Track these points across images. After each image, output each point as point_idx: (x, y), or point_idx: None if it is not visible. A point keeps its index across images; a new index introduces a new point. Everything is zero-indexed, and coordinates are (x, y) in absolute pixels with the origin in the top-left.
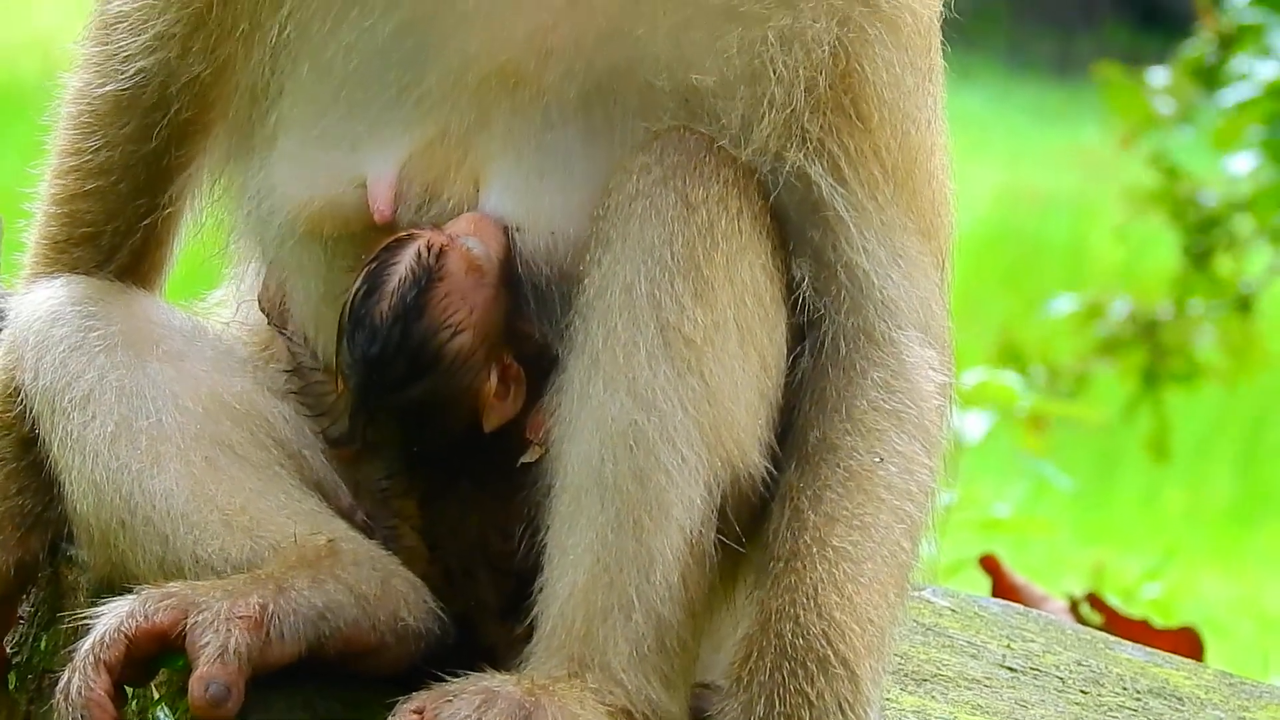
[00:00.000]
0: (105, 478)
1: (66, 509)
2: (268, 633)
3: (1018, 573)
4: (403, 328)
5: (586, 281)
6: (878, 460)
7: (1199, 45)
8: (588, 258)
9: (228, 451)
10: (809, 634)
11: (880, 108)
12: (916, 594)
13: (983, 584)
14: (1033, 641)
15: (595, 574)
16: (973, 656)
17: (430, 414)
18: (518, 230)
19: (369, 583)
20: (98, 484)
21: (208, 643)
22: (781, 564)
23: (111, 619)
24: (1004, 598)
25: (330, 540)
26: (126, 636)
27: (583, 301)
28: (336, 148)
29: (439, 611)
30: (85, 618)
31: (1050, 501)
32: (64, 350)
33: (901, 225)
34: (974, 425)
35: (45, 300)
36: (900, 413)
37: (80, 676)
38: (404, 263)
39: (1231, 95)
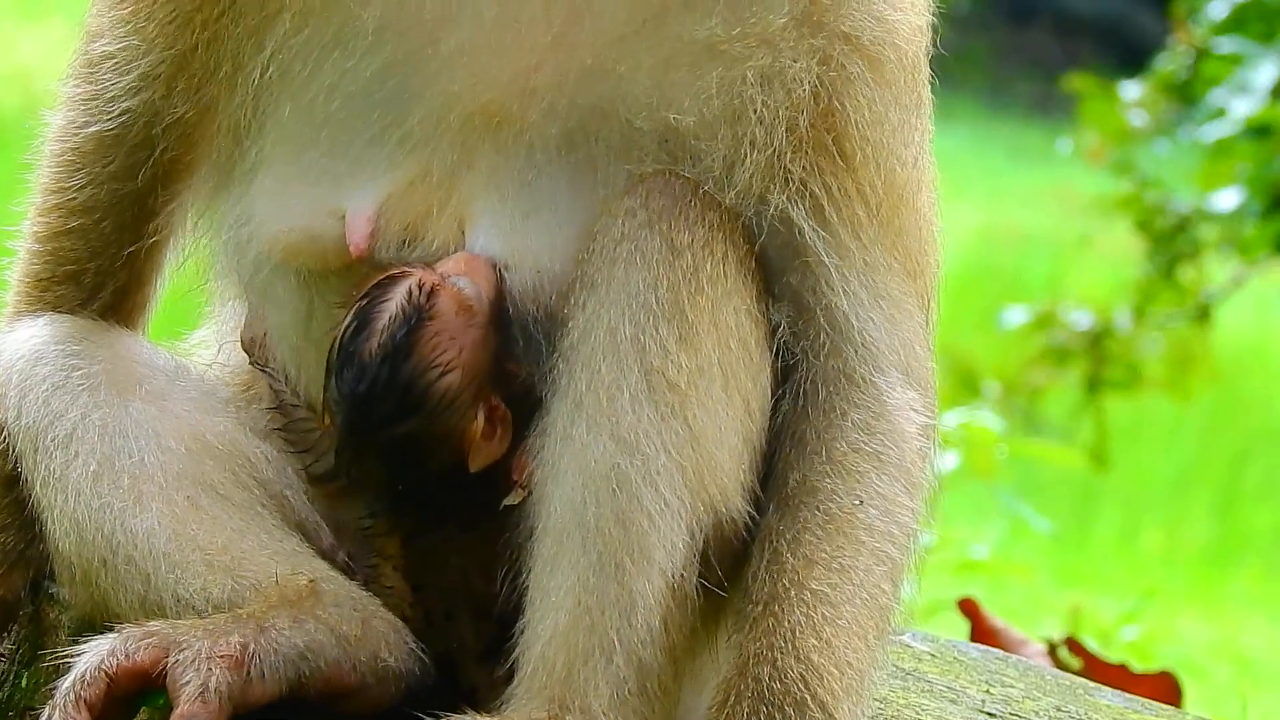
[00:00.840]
0: (87, 516)
1: (49, 547)
2: (248, 672)
3: (996, 616)
4: (391, 366)
5: (571, 325)
6: (858, 503)
7: (1172, 58)
8: (572, 300)
9: (210, 491)
10: (786, 677)
11: (863, 146)
12: (896, 638)
13: (961, 626)
14: (1012, 687)
15: (577, 616)
16: (952, 701)
17: (416, 452)
18: (505, 269)
19: (350, 623)
20: (80, 522)
21: (188, 681)
22: (760, 608)
23: (93, 657)
24: (982, 641)
25: (311, 580)
26: (107, 674)
27: (567, 344)
28: (317, 184)
29: (419, 652)
30: (66, 656)
31: (1028, 543)
32: (47, 389)
33: (885, 265)
34: (944, 461)
35: (28, 339)
36: (881, 454)
37: (61, 714)
38: (395, 300)
39: (1214, 131)
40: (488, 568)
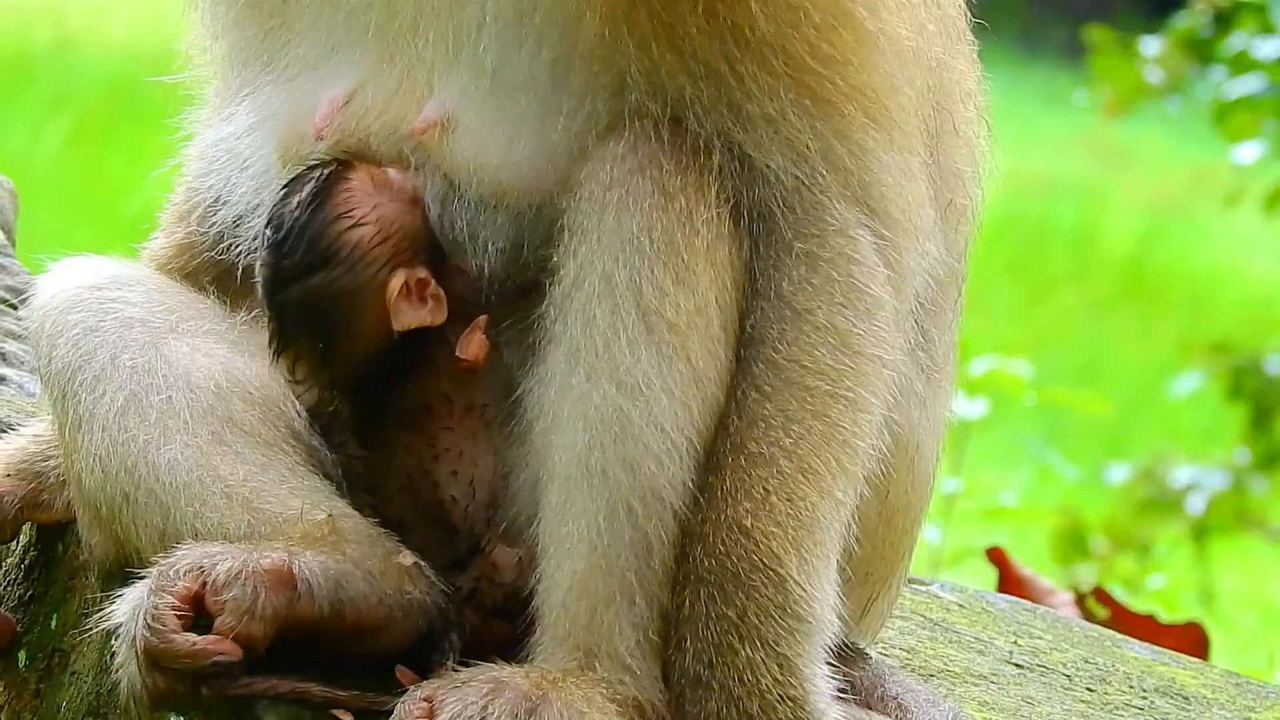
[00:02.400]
0: (112, 451)
1: (73, 493)
2: (296, 585)
3: (1024, 565)
4: (306, 217)
5: (561, 273)
6: (805, 344)
7: (1193, 16)
8: (560, 248)
9: (235, 429)
10: (719, 553)
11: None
12: (923, 588)
13: (989, 575)
14: (1040, 638)
15: (593, 562)
16: (979, 653)
17: (330, 308)
18: (473, 170)
19: (373, 558)
20: (104, 458)
21: (232, 594)
22: (706, 490)
23: (143, 600)
24: (1010, 590)
25: (330, 515)
26: (172, 607)
27: (559, 293)
28: (298, 85)
29: (441, 585)
30: (100, 601)
31: (1055, 489)
32: (78, 333)
33: (802, 94)
34: (975, 410)
35: (64, 285)
36: (828, 285)
37: (147, 669)
38: (318, 171)
39: (1240, 86)
40: (434, 473)
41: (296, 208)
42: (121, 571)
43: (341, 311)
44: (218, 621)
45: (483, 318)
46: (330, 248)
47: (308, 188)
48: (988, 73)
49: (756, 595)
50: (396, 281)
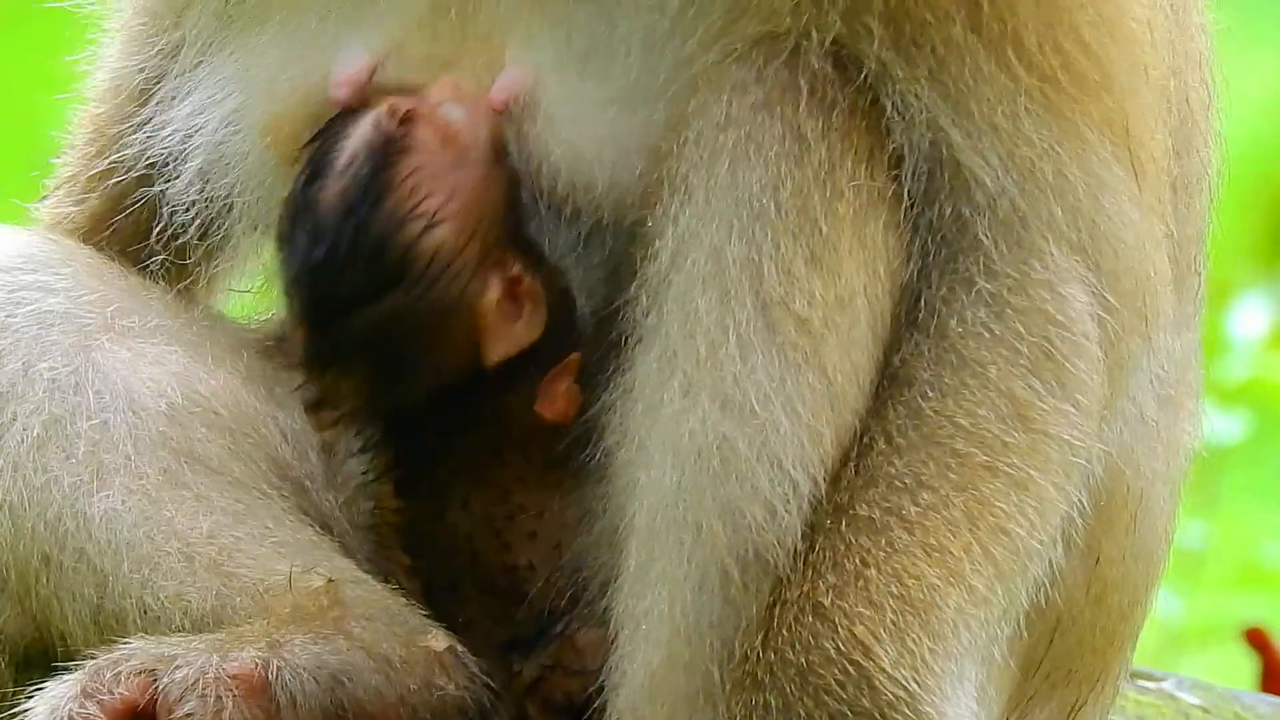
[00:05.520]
0: (25, 498)
1: None
2: (273, 697)
3: None
4: (357, 221)
5: (658, 245)
6: (966, 400)
7: None
8: (658, 211)
9: (197, 465)
10: (780, 644)
11: None
12: (1153, 685)
13: (1246, 664)
14: None
15: (674, 651)
16: None
17: (407, 343)
18: (560, 146)
19: (390, 640)
20: (14, 506)
21: (192, 712)
22: (799, 554)
23: (64, 705)
24: (1276, 687)
25: (332, 582)
26: None
27: (653, 272)
28: (299, 37)
29: (484, 677)
30: (11, 695)
31: None
32: None
33: (1037, 111)
34: (1230, 430)
35: None
36: (1012, 340)
37: None
38: (357, 135)
39: None
40: (504, 531)
41: (341, 202)
42: (44, 656)
43: (424, 338)
44: None
45: (573, 357)
46: (404, 259)
47: (355, 167)
48: None
49: (828, 699)
50: (492, 295)
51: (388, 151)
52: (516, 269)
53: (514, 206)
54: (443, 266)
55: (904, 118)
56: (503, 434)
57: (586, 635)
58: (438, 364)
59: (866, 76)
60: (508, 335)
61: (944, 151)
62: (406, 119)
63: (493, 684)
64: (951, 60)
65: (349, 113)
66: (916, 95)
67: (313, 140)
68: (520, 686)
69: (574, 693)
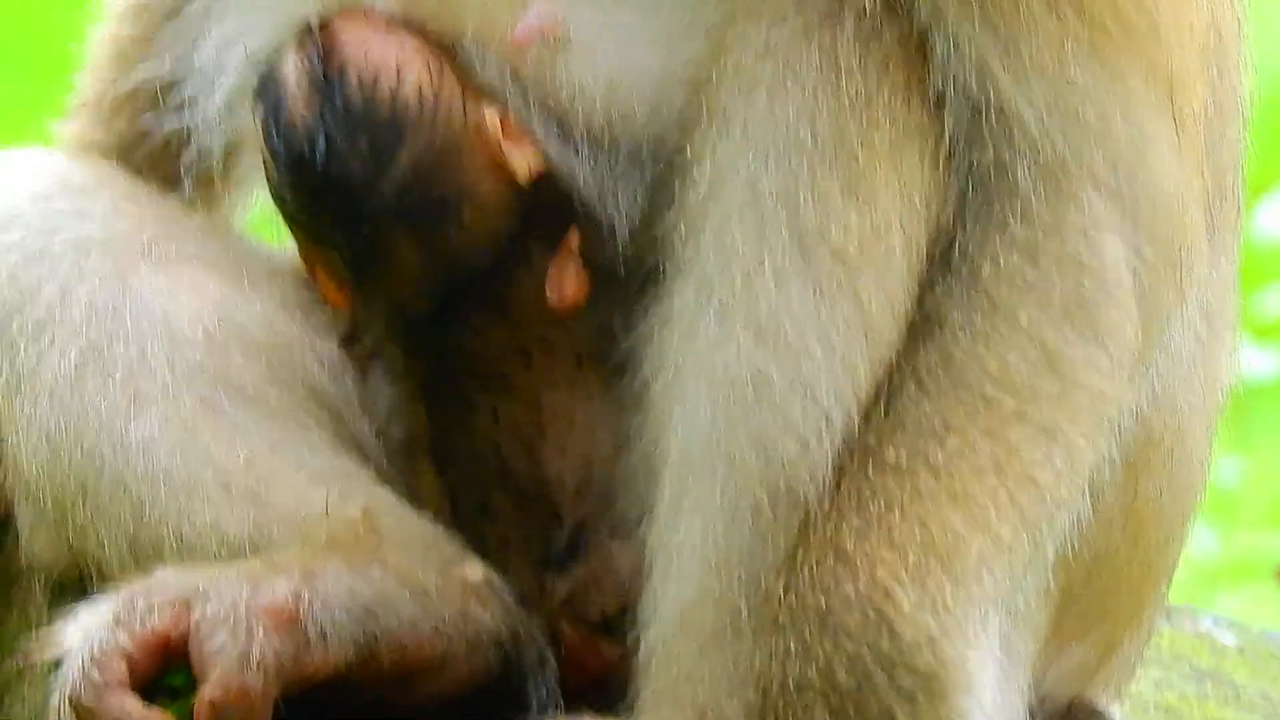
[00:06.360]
0: (63, 425)
1: (9, 479)
2: (304, 631)
3: None
4: (334, 104)
5: (695, 174)
6: (997, 345)
7: None
8: (696, 139)
9: (235, 392)
10: (800, 586)
11: None
12: (1190, 624)
13: None
14: None
15: (705, 584)
16: (1267, 716)
17: (440, 189)
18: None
19: (426, 569)
20: (52, 434)
21: (221, 646)
22: (823, 497)
23: (93, 633)
24: None
25: (367, 511)
26: (123, 654)
27: (690, 201)
28: None
29: (519, 609)
30: (44, 619)
31: None
32: (16, 260)
33: (1089, 52)
34: (1266, 365)
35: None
36: (1044, 286)
37: None
38: (290, 61)
39: None
40: (534, 444)
41: (310, 104)
42: (79, 582)
43: (453, 177)
44: (202, 686)
45: (572, 235)
46: (394, 111)
47: (305, 74)
48: None
49: (846, 643)
50: (491, 115)
51: (324, 48)
52: (499, 108)
53: (463, 71)
54: (433, 101)
55: (952, 56)
56: (524, 331)
57: (620, 550)
58: (481, 200)
59: (915, 13)
60: (526, 150)
61: (990, 93)
62: (323, 25)
63: (526, 613)
64: (1005, 1)
65: (276, 50)
66: (967, 35)
67: (259, 90)
68: (553, 602)
69: (608, 607)
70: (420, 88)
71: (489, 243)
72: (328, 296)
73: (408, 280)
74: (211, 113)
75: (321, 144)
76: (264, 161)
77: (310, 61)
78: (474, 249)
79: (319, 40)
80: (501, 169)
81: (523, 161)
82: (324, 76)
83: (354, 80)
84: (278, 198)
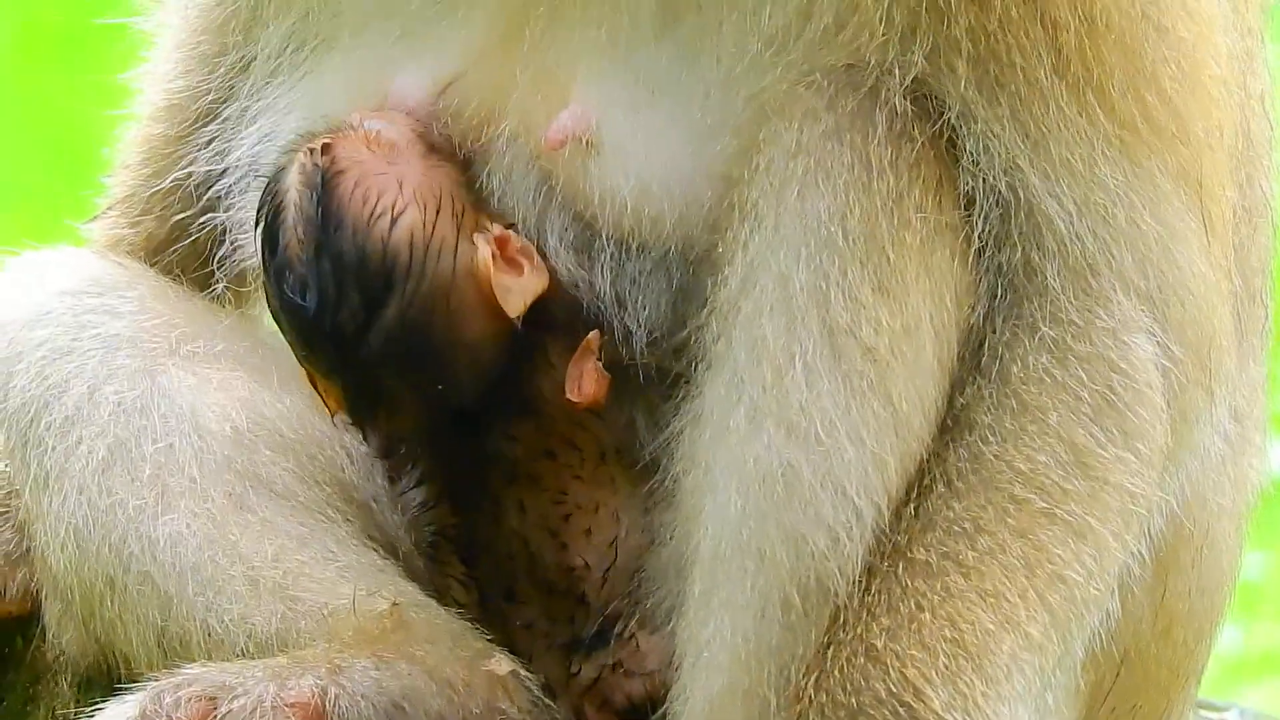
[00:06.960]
0: (91, 520)
1: (37, 575)
2: None
3: None
4: (328, 252)
5: (727, 271)
6: (1026, 446)
7: None
8: (729, 237)
9: (263, 488)
10: (831, 685)
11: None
12: (1216, 716)
13: None
14: None
15: (734, 678)
16: None
17: (431, 333)
18: (625, 182)
19: (453, 663)
20: (80, 529)
21: None
22: (853, 596)
23: None
24: None
25: (396, 605)
26: None
27: (722, 298)
28: (359, 59)
29: (547, 701)
30: (74, 715)
31: None
32: (44, 356)
33: (1112, 155)
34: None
35: (27, 289)
36: (1074, 387)
37: None
38: (290, 186)
39: None
40: (560, 531)
41: (304, 245)
42: (107, 677)
43: (444, 320)
44: None
45: (592, 335)
46: (386, 258)
47: (302, 211)
48: None
49: None
50: (484, 249)
51: (323, 181)
52: (498, 229)
53: (468, 186)
54: (424, 247)
55: (982, 156)
56: (547, 430)
57: (647, 637)
58: (470, 342)
59: (945, 114)
60: (517, 285)
61: (1019, 193)
62: (326, 149)
63: (553, 703)
64: (1035, 101)
65: (276, 172)
66: (997, 135)
67: (258, 211)
68: (578, 687)
69: (634, 694)
70: (413, 233)
71: (481, 378)
72: (329, 407)
73: (406, 413)
74: (246, 209)
75: (314, 296)
76: (264, 288)
77: (307, 202)
78: (467, 384)
79: (319, 174)
80: (492, 306)
81: (517, 298)
82: (320, 220)
83: (349, 230)
84: (277, 323)
